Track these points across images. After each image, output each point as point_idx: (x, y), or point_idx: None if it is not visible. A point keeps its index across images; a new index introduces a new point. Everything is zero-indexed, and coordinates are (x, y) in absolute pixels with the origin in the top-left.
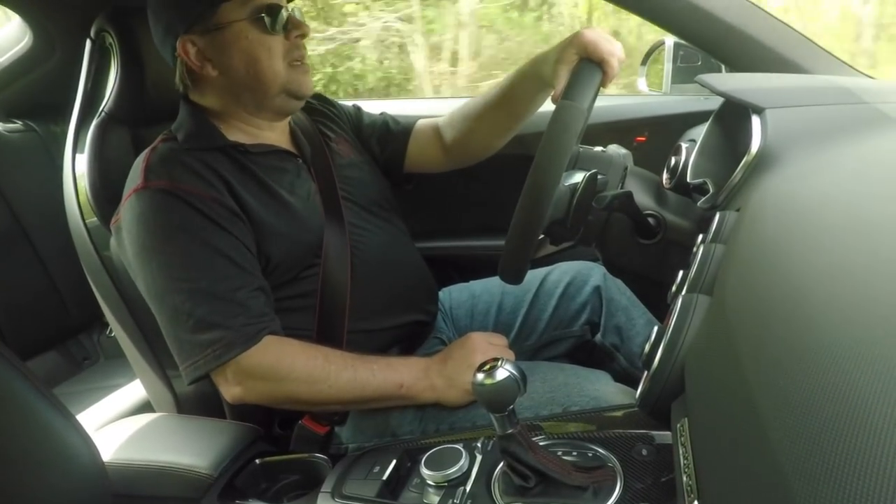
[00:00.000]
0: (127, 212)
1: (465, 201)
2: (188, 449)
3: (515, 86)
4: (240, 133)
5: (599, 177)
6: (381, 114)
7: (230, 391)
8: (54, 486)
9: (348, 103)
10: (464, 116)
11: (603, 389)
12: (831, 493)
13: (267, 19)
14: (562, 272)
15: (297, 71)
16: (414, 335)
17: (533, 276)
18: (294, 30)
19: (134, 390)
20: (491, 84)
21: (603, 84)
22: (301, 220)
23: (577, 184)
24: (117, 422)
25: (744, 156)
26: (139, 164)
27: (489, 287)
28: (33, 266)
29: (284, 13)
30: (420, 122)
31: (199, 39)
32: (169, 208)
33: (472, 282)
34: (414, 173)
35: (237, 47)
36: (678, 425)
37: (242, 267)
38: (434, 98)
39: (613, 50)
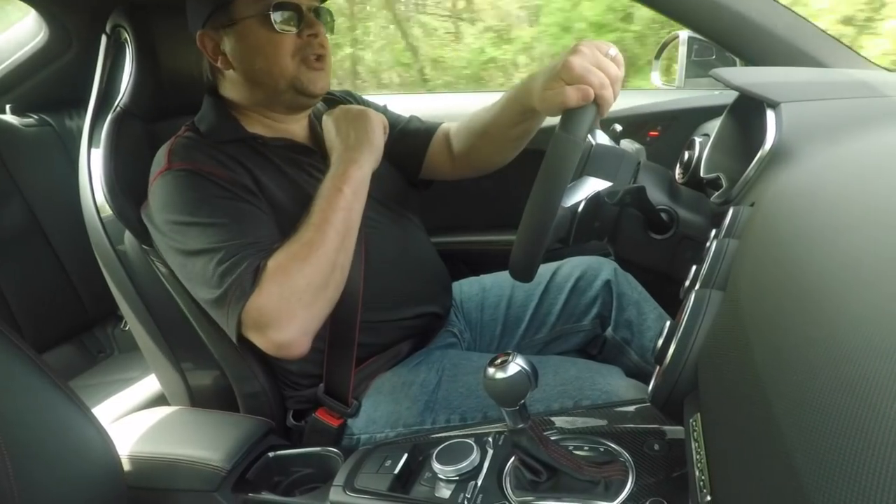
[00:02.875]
0: (153, 194)
1: (476, 196)
2: (202, 442)
3: (511, 109)
4: (259, 126)
5: (602, 189)
6: (410, 116)
7: (276, 341)
8: (71, 478)
9: (377, 101)
10: (469, 131)
11: (615, 384)
12: (846, 488)
13: (277, 17)
14: (572, 266)
15: (310, 68)
16: (427, 328)
17: (543, 269)
18: (307, 29)
19: (148, 383)
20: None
21: (600, 114)
22: None
23: (577, 204)
24: (132, 415)
25: (758, 150)
26: (163, 150)
27: (499, 281)
28: (49, 260)
29: (297, 12)
30: (442, 126)
31: (215, 34)
32: (192, 185)
33: (482, 275)
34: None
35: (247, 43)
36: (691, 421)
37: (257, 228)
38: (469, 93)
39: (604, 80)
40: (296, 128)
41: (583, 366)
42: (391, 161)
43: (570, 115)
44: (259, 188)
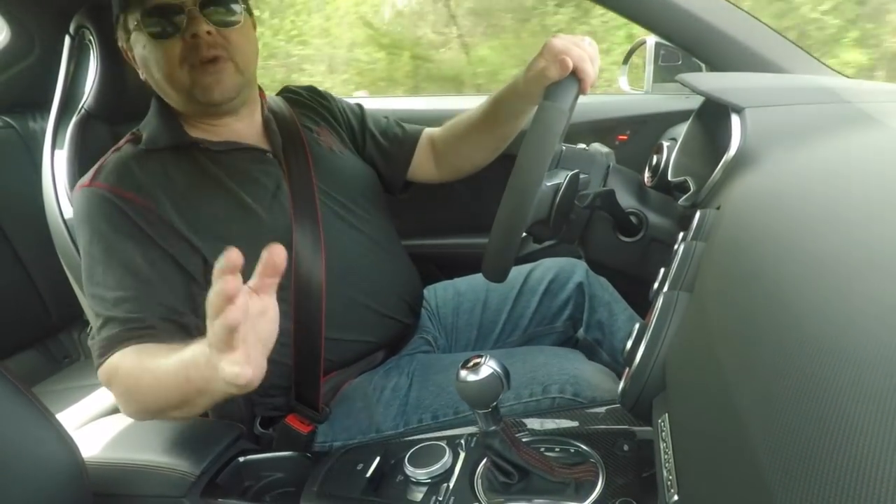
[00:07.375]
0: (74, 201)
1: (449, 199)
2: (170, 447)
3: (496, 105)
4: (201, 130)
5: (582, 176)
6: (386, 118)
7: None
8: (32, 485)
9: (352, 101)
10: (452, 134)
11: (581, 367)
12: (808, 487)
13: (153, 23)
14: (545, 269)
15: (201, 74)
16: (399, 336)
17: (517, 272)
18: (188, 29)
19: None
20: (479, 103)
21: (582, 90)
22: (262, 222)
23: (559, 183)
24: (98, 420)
25: (724, 154)
26: (100, 160)
27: (474, 285)
28: (11, 263)
29: (176, 13)
30: (425, 131)
31: (126, 44)
32: (101, 211)
33: (456, 279)
34: (411, 181)
35: (140, 54)
36: (659, 421)
37: (148, 281)
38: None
39: (583, 55)
40: (240, 126)
41: (549, 352)
42: (370, 163)
43: (552, 86)
44: (187, 210)
